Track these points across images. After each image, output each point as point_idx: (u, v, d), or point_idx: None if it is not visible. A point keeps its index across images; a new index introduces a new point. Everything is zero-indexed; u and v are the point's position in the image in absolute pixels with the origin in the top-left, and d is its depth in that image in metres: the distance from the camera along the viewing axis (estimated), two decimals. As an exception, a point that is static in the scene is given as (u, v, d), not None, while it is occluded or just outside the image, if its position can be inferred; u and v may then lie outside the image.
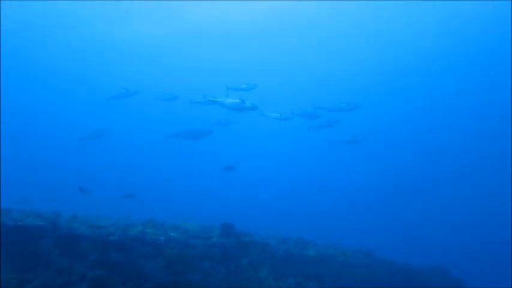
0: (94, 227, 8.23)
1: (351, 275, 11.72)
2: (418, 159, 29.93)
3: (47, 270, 7.05)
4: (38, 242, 7.23)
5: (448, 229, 22.19)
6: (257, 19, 25.52)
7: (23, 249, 7.15)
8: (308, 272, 11.04)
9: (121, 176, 26.84)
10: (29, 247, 7.15)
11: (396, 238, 19.74)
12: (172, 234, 9.71)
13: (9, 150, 25.37)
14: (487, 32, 24.04)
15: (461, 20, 23.51)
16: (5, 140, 25.64)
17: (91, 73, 31.40)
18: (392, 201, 25.13)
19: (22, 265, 7.09)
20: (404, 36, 25.66)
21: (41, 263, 7.15)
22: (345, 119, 13.71)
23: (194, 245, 8.97)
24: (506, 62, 25.21)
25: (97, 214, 10.99)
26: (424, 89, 30.32)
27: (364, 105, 13.35)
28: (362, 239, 15.89)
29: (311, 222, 20.70)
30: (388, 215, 23.51)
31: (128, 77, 28.65)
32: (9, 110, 29.46)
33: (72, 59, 30.16)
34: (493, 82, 27.65)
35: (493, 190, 24.68)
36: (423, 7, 22.76)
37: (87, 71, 31.32)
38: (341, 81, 29.51)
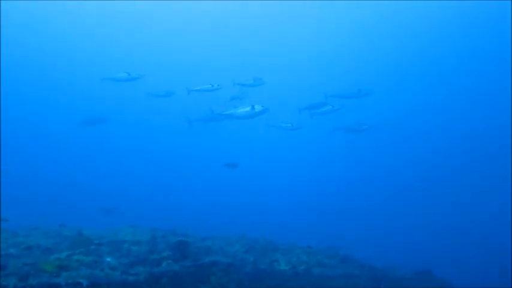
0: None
1: (330, 290, 10.11)
2: (412, 158, 29.02)
3: None
4: None
5: (440, 231, 21.45)
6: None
7: None
8: (280, 292, 9.31)
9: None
10: None
11: (384, 240, 18.67)
12: (109, 259, 7.59)
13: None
14: (487, 32, 24.47)
15: (461, 20, 23.87)
16: (5, 140, 24.16)
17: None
18: (378, 200, 24.16)
19: None
20: (404, 36, 26.10)
21: None
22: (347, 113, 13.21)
23: (134, 282, 6.84)
24: (506, 62, 25.05)
25: (16, 229, 8.65)
26: (422, 89, 30.07)
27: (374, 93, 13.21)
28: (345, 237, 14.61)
29: (293, 215, 19.74)
30: (374, 214, 22.53)
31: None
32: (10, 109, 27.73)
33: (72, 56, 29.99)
34: (493, 81, 27.52)
35: (492, 189, 24.06)
36: (424, 7, 23.13)
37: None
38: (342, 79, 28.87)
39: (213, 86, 12.04)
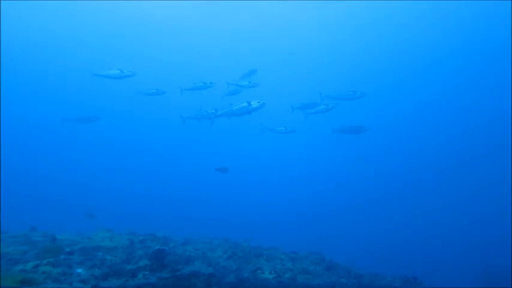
0: None
1: (315, 300, 9.72)
2: (410, 158, 28.86)
3: None
4: None
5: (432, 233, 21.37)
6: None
7: None
8: (263, 304, 8.89)
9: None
10: None
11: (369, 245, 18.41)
12: (80, 270, 7.09)
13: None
14: (487, 32, 24.45)
15: (461, 20, 23.78)
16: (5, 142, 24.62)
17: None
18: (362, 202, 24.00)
19: None
20: (405, 36, 26.14)
21: None
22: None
23: (105, 299, 6.34)
24: (506, 62, 25.10)
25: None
26: (422, 89, 30.06)
27: (369, 95, 13.18)
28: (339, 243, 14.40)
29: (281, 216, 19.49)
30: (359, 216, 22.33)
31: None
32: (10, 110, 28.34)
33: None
34: (493, 81, 27.46)
35: (492, 189, 24.02)
36: (423, 7, 23.10)
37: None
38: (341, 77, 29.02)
39: (205, 83, 12.15)
